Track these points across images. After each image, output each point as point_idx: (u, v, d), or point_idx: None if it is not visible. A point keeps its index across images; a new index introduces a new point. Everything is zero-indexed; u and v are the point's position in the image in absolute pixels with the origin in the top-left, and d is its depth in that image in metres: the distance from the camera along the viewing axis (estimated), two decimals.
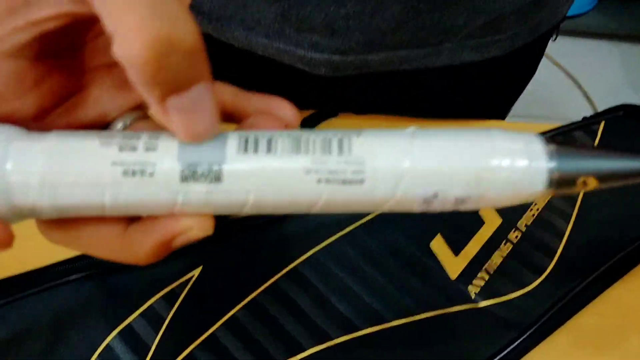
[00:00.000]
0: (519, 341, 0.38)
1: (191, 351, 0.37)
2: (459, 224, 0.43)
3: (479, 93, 0.49)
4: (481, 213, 0.43)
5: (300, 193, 0.21)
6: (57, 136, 0.21)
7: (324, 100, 0.47)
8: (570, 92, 1.41)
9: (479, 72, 0.46)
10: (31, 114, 0.22)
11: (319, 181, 0.21)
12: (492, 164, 0.22)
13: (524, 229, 0.43)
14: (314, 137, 0.22)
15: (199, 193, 0.21)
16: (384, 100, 0.48)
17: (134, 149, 0.21)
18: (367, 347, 0.38)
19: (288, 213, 0.23)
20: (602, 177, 0.22)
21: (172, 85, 0.19)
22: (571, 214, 0.44)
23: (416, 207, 0.22)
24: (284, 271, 0.40)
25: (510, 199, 0.22)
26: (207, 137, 0.21)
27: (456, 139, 0.22)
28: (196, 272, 0.40)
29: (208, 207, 0.22)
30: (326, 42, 0.40)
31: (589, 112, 1.39)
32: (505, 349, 0.38)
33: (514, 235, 0.42)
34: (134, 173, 0.21)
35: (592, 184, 0.22)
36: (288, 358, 0.37)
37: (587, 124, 0.49)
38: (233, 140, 0.22)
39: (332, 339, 0.38)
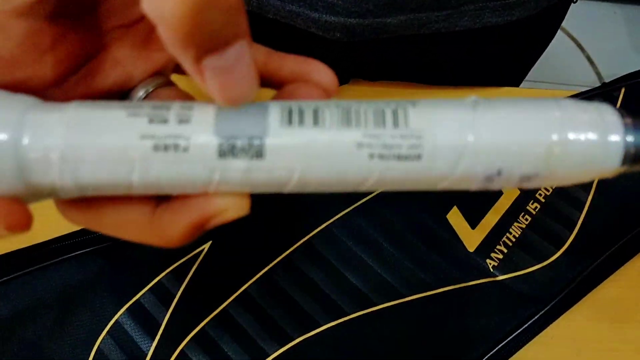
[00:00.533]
0: (538, 315, 0.37)
1: (202, 327, 0.36)
2: (475, 195, 0.42)
3: (497, 59, 0.47)
4: None
5: (351, 169, 0.19)
6: (79, 106, 0.19)
7: (337, 66, 0.45)
8: (573, 55, 1.39)
9: (499, 36, 0.44)
10: (48, 80, 0.20)
11: (371, 156, 0.19)
12: (564, 137, 0.19)
13: (543, 200, 0.41)
14: (366, 108, 0.20)
15: (238, 170, 0.19)
16: (399, 66, 0.46)
17: (165, 120, 0.19)
18: (384, 322, 0.37)
19: (335, 191, 0.20)
20: None
21: (210, 44, 0.17)
22: (591, 185, 0.42)
23: (475, 185, 0.20)
24: (297, 245, 0.39)
25: (581, 176, 0.20)
26: (247, 100, 0.19)
27: (523, 110, 0.20)
28: (206, 247, 0.39)
29: (247, 185, 0.20)
30: (342, 4, 0.38)
31: (592, 76, 1.38)
32: (525, 324, 0.37)
33: (532, 207, 0.41)
34: (166, 148, 0.19)
35: None
36: (302, 333, 0.36)
37: (606, 91, 0.47)
38: (275, 111, 0.19)
39: (347, 314, 0.37)
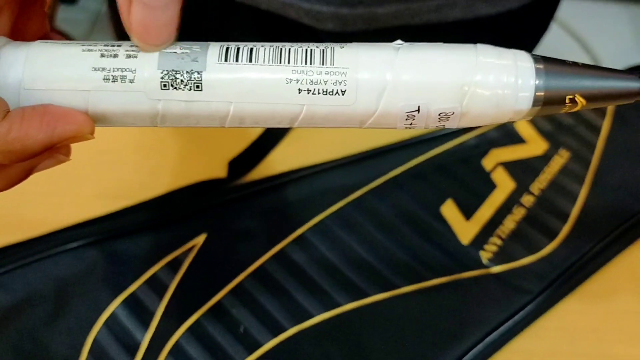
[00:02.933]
0: (531, 305, 0.37)
1: (197, 319, 0.36)
2: (470, 188, 0.42)
3: None
4: (494, 177, 0.42)
5: (282, 103, 0.22)
6: (41, 43, 0.22)
7: None
8: (578, 55, 1.38)
9: (491, 27, 0.44)
10: (7, 32, 0.22)
11: (300, 91, 0.21)
12: (476, 78, 0.21)
13: (537, 193, 0.41)
14: (297, 47, 0.22)
15: (179, 102, 0.21)
16: None
17: (115, 55, 0.21)
18: (378, 314, 0.37)
19: (270, 126, 0.23)
20: (590, 96, 0.22)
21: None
22: (585, 177, 0.42)
23: (399, 124, 0.22)
24: (291, 238, 0.39)
25: (494, 116, 0.22)
26: (158, 45, 0.21)
27: (442, 53, 0.22)
28: (200, 239, 0.39)
29: (189, 117, 0.22)
30: None
31: None
32: (517, 314, 0.37)
33: (527, 200, 0.41)
34: (114, 79, 0.21)
35: (580, 103, 0.22)
36: (296, 325, 0.36)
37: None
38: (214, 49, 0.22)
39: (340, 305, 0.37)
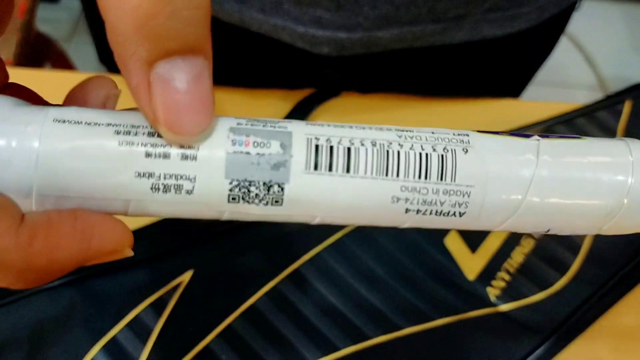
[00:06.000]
0: (542, 347, 0.35)
1: None
2: None
3: (496, 70, 0.45)
4: None
5: (382, 220, 0.17)
6: (54, 124, 0.16)
7: (326, 79, 0.42)
8: (572, 55, 1.37)
9: (498, 48, 0.41)
10: None
11: (407, 211, 0.17)
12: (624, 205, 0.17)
13: None
14: (408, 149, 0.17)
15: (251, 214, 0.17)
16: (392, 80, 0.44)
17: (166, 156, 0.16)
18: (379, 358, 0.34)
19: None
20: None
21: (167, 42, 0.14)
22: None
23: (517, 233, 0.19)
24: (285, 273, 0.37)
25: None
26: (196, 134, 0.16)
27: (591, 168, 0.17)
28: (186, 277, 0.36)
29: (262, 219, 0.17)
30: (331, 17, 0.36)
31: (590, 76, 1.35)
32: (528, 357, 0.34)
33: None
34: (166, 189, 0.16)
35: None
36: None
37: (610, 104, 0.45)
38: (300, 148, 0.16)
39: (339, 349, 0.34)
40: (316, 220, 0.17)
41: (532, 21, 0.40)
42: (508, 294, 0.36)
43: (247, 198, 0.16)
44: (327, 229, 0.38)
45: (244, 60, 0.40)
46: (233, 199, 0.16)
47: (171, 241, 0.37)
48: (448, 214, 0.17)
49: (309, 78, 0.41)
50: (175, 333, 0.34)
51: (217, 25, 0.39)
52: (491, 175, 0.17)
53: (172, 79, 0.15)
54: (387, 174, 0.17)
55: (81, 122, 0.16)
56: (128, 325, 0.34)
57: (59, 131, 0.16)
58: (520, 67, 0.47)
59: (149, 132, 0.16)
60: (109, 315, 0.35)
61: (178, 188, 0.16)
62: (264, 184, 0.16)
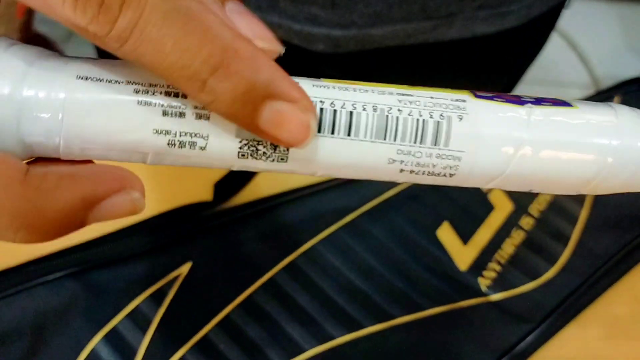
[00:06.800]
0: (531, 336, 0.36)
1: (183, 356, 0.34)
2: (467, 210, 0.40)
3: (488, 67, 0.46)
4: (490, 198, 0.41)
5: (377, 176, 0.19)
6: (78, 81, 0.17)
7: (321, 76, 0.43)
8: (566, 54, 1.37)
9: (489, 45, 0.42)
10: None
11: (402, 171, 0.18)
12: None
13: (537, 215, 0.40)
14: (407, 114, 0.18)
15: (258, 168, 0.18)
16: (385, 77, 0.45)
17: (181, 114, 0.17)
18: (373, 346, 0.35)
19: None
20: None
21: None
22: (585, 197, 0.41)
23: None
24: (281, 265, 0.37)
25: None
26: (312, 136, 0.17)
27: (575, 131, 0.18)
28: (185, 269, 0.37)
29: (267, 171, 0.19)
30: (326, 15, 0.37)
31: (584, 75, 1.36)
32: (518, 345, 0.35)
33: (526, 222, 0.40)
34: (181, 144, 0.17)
35: None
36: (287, 359, 0.34)
37: (601, 100, 0.46)
38: None
39: (334, 338, 0.35)
40: (317, 175, 0.19)
41: (522, 19, 0.41)
42: (499, 284, 0.37)
43: (255, 155, 0.18)
44: (322, 223, 0.39)
45: None
46: (242, 155, 0.18)
47: (171, 233, 0.38)
48: (439, 174, 0.18)
49: (304, 75, 0.42)
50: (175, 323, 0.35)
51: None
52: (482, 141, 0.18)
53: (274, 90, 0.17)
54: (385, 138, 0.18)
55: (102, 80, 0.17)
56: (128, 315, 0.35)
57: (82, 88, 0.17)
58: (512, 64, 0.48)
59: (166, 92, 0.17)
60: (110, 306, 0.36)
61: (192, 145, 0.17)
62: (271, 143, 0.18)
